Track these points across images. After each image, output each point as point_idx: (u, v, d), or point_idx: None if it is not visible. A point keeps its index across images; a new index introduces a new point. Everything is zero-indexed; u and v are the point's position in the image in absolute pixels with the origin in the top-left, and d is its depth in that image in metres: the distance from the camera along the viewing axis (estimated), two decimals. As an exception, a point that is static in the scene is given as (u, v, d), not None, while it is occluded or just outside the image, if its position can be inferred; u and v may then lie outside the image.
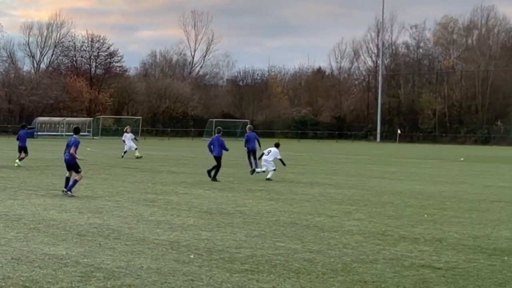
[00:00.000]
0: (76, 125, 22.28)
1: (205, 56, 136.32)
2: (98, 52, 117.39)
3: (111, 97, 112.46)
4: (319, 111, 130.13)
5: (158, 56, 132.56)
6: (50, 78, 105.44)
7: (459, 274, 10.47)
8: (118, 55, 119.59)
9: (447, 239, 13.71)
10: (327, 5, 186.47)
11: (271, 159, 27.95)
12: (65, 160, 20.28)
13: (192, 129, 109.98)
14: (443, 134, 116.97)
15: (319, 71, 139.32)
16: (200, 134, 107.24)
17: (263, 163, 28.16)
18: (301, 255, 11.62)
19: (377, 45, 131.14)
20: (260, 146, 31.55)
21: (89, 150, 51.83)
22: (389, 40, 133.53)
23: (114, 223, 14.60)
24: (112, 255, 11.13)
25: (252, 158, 31.68)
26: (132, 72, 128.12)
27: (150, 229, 13.91)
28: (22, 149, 32.14)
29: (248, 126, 35.66)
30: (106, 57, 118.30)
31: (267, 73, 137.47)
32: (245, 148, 32.11)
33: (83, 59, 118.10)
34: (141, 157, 40.00)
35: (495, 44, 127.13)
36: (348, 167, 38.37)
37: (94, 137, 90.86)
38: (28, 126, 39.23)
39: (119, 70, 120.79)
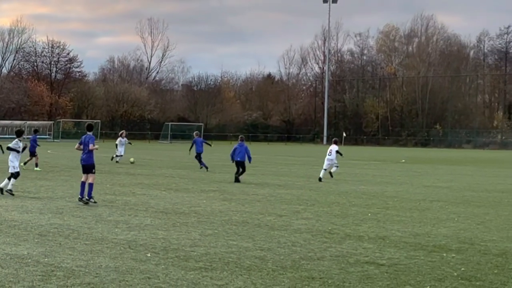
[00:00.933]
0: (89, 123, 20.11)
1: (161, 62, 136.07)
2: (58, 58, 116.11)
3: (71, 101, 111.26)
4: (269, 115, 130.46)
5: (116, 62, 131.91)
6: (12, 83, 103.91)
7: (401, 270, 10.56)
8: (78, 60, 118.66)
9: (389, 237, 13.82)
10: (276, 14, 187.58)
11: (334, 157, 29.60)
12: (82, 161, 18.79)
13: (149, 132, 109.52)
14: (386, 137, 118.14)
15: (269, 77, 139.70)
16: (156, 137, 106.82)
17: (326, 162, 29.58)
18: (253, 253, 11.63)
19: (324, 52, 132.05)
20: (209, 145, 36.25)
21: (50, 152, 51.22)
22: (335, 47, 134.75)
23: (74, 223, 14.44)
24: (72, 255, 11.01)
25: (199, 159, 34.51)
26: (91, 77, 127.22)
27: (108, 229, 13.80)
28: (32, 153, 31.49)
29: (196, 132, 37.78)
30: (66, 63, 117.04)
31: (220, 79, 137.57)
32: (190, 151, 35.73)
33: (44, 64, 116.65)
34: (133, 162, 38.11)
35: (434, 51, 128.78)
36: (297, 169, 38.53)
37: (55, 140, 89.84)
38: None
39: (79, 75, 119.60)
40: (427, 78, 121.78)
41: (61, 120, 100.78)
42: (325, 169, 29.44)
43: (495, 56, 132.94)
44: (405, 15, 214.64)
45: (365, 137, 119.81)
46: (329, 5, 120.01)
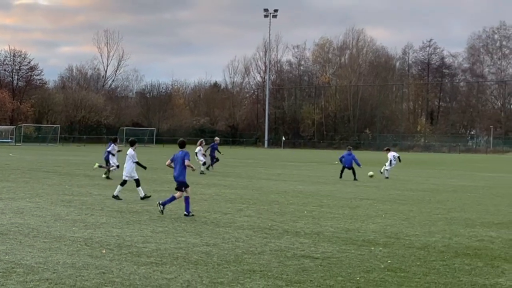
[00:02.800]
0: (182, 139, 17.64)
1: (116, 70, 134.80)
2: (19, 66, 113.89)
3: (32, 107, 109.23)
4: (216, 120, 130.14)
5: (74, 70, 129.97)
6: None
7: (333, 263, 10.65)
8: (38, 69, 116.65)
9: (323, 232, 13.91)
10: (223, 27, 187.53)
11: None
12: (175, 177, 16.71)
13: (105, 136, 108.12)
14: (321, 141, 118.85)
15: (216, 85, 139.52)
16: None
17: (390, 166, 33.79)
18: (200, 248, 11.60)
19: (265, 63, 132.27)
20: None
21: (12, 155, 50.29)
22: (275, 58, 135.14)
23: (34, 223, 14.20)
24: (31, 252, 10.82)
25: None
26: (51, 85, 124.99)
27: (66, 228, 13.60)
28: (107, 161, 28.95)
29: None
30: (27, 71, 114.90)
31: (171, 87, 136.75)
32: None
33: (6, 72, 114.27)
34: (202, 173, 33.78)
35: (364, 62, 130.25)
36: (240, 170, 38.52)
37: (17, 144, 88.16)
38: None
39: (39, 83, 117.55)
40: (358, 87, 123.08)
41: (23, 125, 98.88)
42: (387, 170, 33.26)
43: (419, 67, 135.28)
44: (338, 28, 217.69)
45: (302, 141, 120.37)
46: (270, 19, 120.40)
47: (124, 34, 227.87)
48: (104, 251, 11.05)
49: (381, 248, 12.14)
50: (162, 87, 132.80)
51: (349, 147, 33.40)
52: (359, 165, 31.45)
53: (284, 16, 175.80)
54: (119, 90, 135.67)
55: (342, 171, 32.01)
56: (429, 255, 11.57)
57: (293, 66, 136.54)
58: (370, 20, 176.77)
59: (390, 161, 33.57)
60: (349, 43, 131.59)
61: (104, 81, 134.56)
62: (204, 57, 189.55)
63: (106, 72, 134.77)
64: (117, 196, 19.63)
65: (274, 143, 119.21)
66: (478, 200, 22.42)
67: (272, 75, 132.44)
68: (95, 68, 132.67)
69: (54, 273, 9.34)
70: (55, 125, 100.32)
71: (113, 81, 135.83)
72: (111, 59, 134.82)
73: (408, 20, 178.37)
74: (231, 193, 22.61)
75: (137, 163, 19.93)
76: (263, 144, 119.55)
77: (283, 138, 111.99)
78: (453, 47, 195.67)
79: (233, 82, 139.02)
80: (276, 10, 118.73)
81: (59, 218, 14.98)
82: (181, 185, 16.54)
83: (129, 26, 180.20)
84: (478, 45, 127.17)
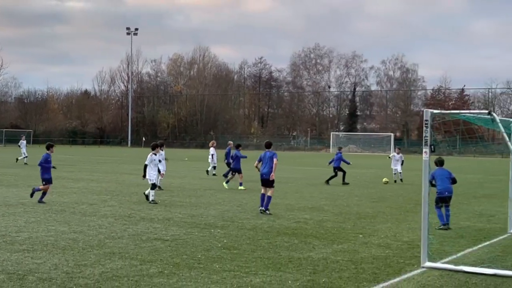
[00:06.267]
0: (269, 141, 16.69)
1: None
2: None
3: None
4: (86, 123, 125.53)
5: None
6: None
7: (180, 244, 10.65)
8: None
9: (173, 218, 13.88)
10: (93, 41, 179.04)
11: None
12: (263, 175, 15.38)
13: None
14: (174, 141, 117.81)
15: (86, 92, 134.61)
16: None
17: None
18: (67, 235, 11.19)
19: (128, 74, 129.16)
20: None
21: None
22: (136, 70, 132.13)
23: None
24: None
25: None
26: None
27: None
28: (236, 170, 23.01)
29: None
30: None
31: (47, 93, 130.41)
32: None
33: None
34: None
35: (209, 75, 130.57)
36: (106, 166, 37.53)
37: None
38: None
39: None
40: (204, 96, 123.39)
41: None
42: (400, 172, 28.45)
43: (252, 80, 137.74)
44: (188, 46, 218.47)
45: (159, 141, 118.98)
46: (131, 36, 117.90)
47: (4, 45, 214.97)
48: (-19, 241, 10.38)
49: (219, 230, 12.28)
50: (38, 94, 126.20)
51: (339, 146, 29.20)
52: (348, 163, 26.96)
53: (144, 34, 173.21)
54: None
55: (331, 177, 26.10)
56: (257, 235, 11.85)
57: (151, 77, 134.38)
58: (214, 39, 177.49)
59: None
60: (197, 58, 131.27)
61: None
62: (77, 68, 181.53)
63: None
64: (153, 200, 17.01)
65: (136, 143, 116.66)
66: (296, 189, 23.22)
67: (134, 85, 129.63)
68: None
69: None
70: None
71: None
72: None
73: (244, 40, 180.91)
74: (97, 186, 21.97)
75: (145, 166, 17.80)
76: (127, 144, 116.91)
77: (143, 139, 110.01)
78: (279, 63, 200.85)
79: (101, 90, 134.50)
80: (136, 29, 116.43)
81: None
82: (268, 183, 15.34)
83: (10, 38, 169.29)
84: (298, 62, 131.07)
